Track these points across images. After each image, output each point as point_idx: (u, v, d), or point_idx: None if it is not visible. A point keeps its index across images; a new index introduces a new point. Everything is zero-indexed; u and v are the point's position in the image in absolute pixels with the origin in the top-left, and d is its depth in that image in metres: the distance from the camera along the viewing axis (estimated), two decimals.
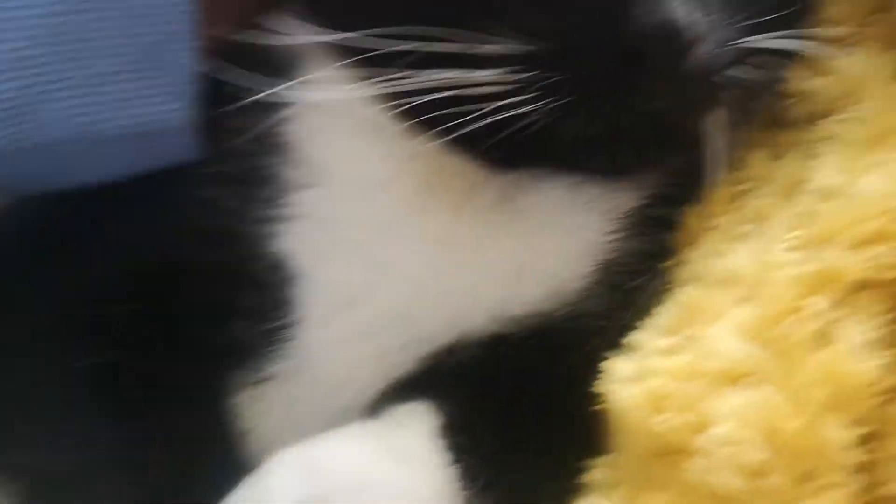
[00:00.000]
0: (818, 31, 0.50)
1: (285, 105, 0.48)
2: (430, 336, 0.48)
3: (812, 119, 0.48)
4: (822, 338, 0.38)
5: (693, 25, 0.41)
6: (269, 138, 0.49)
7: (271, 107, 0.48)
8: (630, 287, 0.48)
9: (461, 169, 0.49)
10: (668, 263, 0.47)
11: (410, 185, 0.49)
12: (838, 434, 0.36)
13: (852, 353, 0.38)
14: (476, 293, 0.48)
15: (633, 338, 0.42)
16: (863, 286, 0.40)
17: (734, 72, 0.45)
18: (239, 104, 0.47)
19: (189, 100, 0.47)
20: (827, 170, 0.44)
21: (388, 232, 0.49)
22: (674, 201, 0.50)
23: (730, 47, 0.44)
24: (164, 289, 0.49)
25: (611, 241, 0.49)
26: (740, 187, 0.48)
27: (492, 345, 0.48)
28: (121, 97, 0.45)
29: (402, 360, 0.48)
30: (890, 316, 0.40)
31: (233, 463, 0.48)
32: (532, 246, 0.49)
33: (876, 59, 0.48)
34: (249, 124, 0.48)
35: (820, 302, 0.39)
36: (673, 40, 0.41)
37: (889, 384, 0.38)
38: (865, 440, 0.38)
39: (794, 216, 0.43)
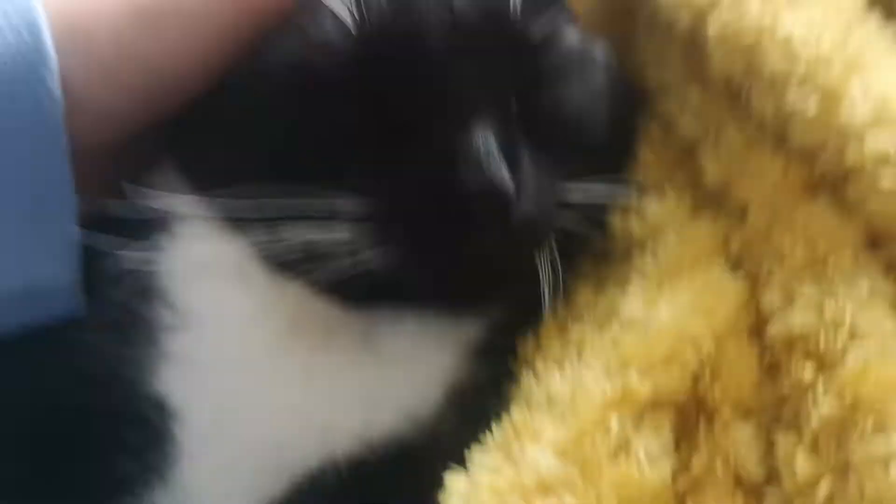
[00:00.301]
0: (631, 178, 0.58)
1: (158, 255, 0.53)
2: (299, 462, 0.52)
3: (627, 255, 0.56)
4: (618, 452, 0.45)
5: (515, 183, 0.48)
6: (144, 286, 0.53)
7: (145, 257, 0.53)
8: (475, 410, 0.53)
9: (322, 309, 0.54)
10: (506, 387, 0.54)
11: (276, 324, 0.54)
12: None
13: (643, 465, 0.44)
14: (338, 421, 0.53)
15: (469, 455, 0.47)
16: (653, 405, 0.46)
17: (557, 218, 0.52)
18: (114, 258, 0.52)
19: (74, 260, 0.51)
20: (631, 302, 0.50)
21: (256, 369, 0.53)
22: (514, 331, 0.55)
23: (551, 199, 0.52)
24: (48, 429, 0.52)
25: (458, 370, 0.55)
26: (568, 316, 0.55)
27: (354, 467, 0.52)
28: (6, 261, 0.49)
29: (273, 484, 0.52)
30: (675, 429, 0.46)
31: None
32: (387, 377, 0.54)
33: (676, 201, 0.55)
34: (124, 274, 0.53)
35: (615, 420, 0.45)
36: (497, 198, 0.48)
37: (676, 489, 0.45)
38: None
39: (603, 344, 0.49)
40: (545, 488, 0.43)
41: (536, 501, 0.43)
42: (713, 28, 0.54)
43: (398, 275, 0.50)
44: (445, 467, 0.49)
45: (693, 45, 0.58)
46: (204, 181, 0.54)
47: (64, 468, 0.52)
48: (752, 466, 0.45)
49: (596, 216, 0.56)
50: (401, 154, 0.50)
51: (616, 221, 0.56)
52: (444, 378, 0.55)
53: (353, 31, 0.52)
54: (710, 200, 0.55)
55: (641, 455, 0.44)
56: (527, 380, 0.51)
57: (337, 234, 0.49)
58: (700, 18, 0.55)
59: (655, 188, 0.57)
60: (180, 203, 0.53)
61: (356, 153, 0.51)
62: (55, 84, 0.48)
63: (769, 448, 0.46)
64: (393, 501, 0.52)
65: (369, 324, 0.55)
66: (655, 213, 0.55)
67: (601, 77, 0.58)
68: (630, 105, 0.61)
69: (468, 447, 0.49)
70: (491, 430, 0.48)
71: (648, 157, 0.59)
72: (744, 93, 0.54)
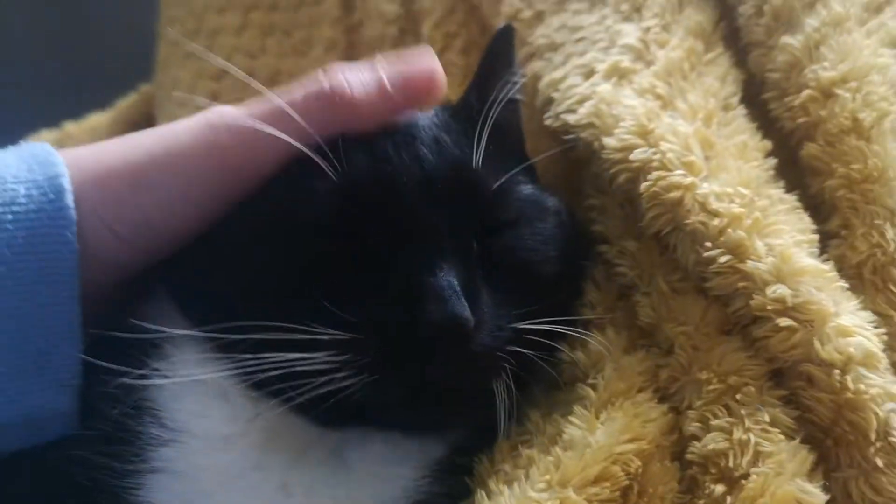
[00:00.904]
0: (578, 315, 0.67)
1: (151, 377, 0.59)
2: None
3: (573, 383, 0.64)
4: None
5: (475, 317, 0.55)
6: (136, 404, 0.59)
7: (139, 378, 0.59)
8: None
9: (298, 427, 0.60)
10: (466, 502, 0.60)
11: (254, 441, 0.60)
12: None
13: None
14: None
15: None
16: None
17: (512, 349, 0.59)
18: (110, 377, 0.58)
19: (76, 391, 0.56)
20: (572, 426, 0.58)
21: (234, 482, 0.58)
22: (472, 451, 0.62)
23: (506, 332, 0.59)
24: None
25: (420, 486, 0.61)
26: (520, 439, 0.62)
27: None
28: (11, 393, 0.54)
29: None
30: None
31: None
32: (356, 492, 0.60)
33: (615, 337, 0.64)
34: (119, 393, 0.58)
35: None
36: (458, 330, 0.55)
37: None
38: None
39: (546, 464, 0.56)
40: None
41: None
42: (645, 185, 0.63)
43: (369, 399, 0.57)
44: None
45: (629, 201, 0.67)
46: (195, 312, 0.62)
47: None
48: None
49: (546, 349, 0.63)
50: (373, 290, 0.58)
51: (565, 353, 0.64)
52: (407, 494, 0.60)
53: (335, 179, 0.60)
54: (644, 337, 0.64)
55: None
56: (479, 498, 0.57)
57: (314, 362, 0.56)
58: (635, 177, 0.64)
59: (597, 325, 0.66)
60: (173, 332, 0.60)
61: (333, 289, 0.58)
62: (73, 239, 0.56)
63: None
64: None
65: (341, 442, 0.61)
66: (596, 347, 0.63)
67: (552, 222, 0.66)
68: (577, 248, 0.69)
69: None
70: None
71: (593, 297, 0.68)
72: (671, 245, 0.63)
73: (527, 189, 0.66)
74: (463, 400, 0.60)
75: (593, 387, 0.61)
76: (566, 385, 0.64)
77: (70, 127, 1.26)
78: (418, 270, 0.57)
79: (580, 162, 0.73)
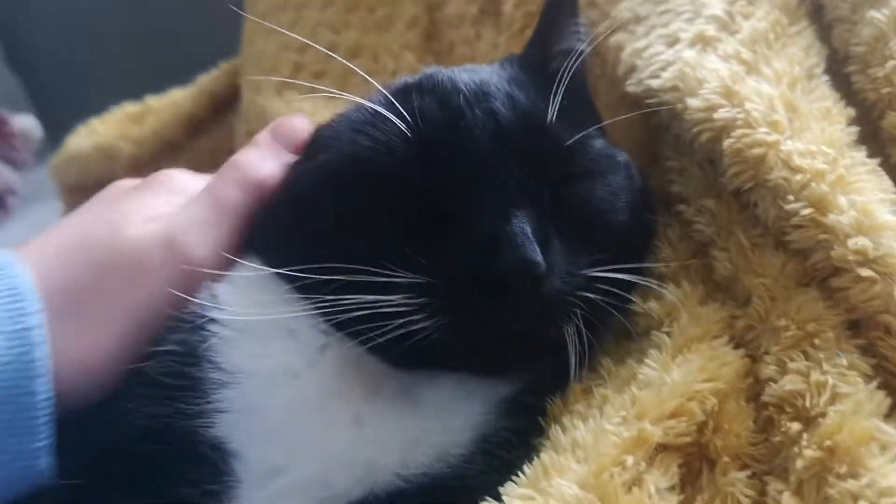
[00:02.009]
0: (651, 269, 0.68)
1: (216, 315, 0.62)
2: (342, 494, 0.59)
3: (646, 333, 0.65)
4: (632, 485, 0.53)
5: (544, 261, 0.57)
6: (194, 353, 0.61)
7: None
8: (501, 457, 0.61)
9: (369, 364, 0.62)
10: (537, 441, 0.62)
11: (325, 374, 0.62)
12: None
13: (653, 496, 0.52)
14: (381, 461, 0.60)
15: (503, 489, 0.55)
16: (663, 448, 0.55)
17: (583, 296, 0.61)
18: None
19: (48, 451, 0.56)
20: (648, 368, 0.60)
21: (306, 415, 0.60)
22: (541, 392, 0.64)
23: (577, 279, 0.61)
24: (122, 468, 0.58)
25: (487, 423, 0.62)
26: (592, 383, 0.64)
27: (391, 498, 0.59)
28: None
29: None
30: (682, 471, 0.55)
31: None
32: (425, 425, 0.61)
33: (690, 289, 0.65)
34: (178, 350, 0.60)
35: (630, 459, 0.53)
36: (528, 274, 0.57)
37: None
38: None
39: (622, 402, 0.58)
40: None
41: None
42: (728, 142, 0.64)
43: (441, 341, 0.59)
44: (474, 500, 0.56)
45: (709, 161, 0.69)
46: (273, 257, 0.65)
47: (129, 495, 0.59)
48: None
49: (617, 298, 0.64)
50: (449, 237, 0.60)
51: (638, 304, 0.66)
52: (474, 429, 0.62)
53: (409, 135, 0.63)
54: (719, 291, 0.65)
55: (652, 489, 0.52)
56: (554, 432, 0.59)
57: (391, 304, 0.58)
58: (718, 137, 0.66)
59: (672, 278, 0.67)
60: (264, 269, 0.63)
61: (410, 235, 0.61)
62: (45, 389, 0.55)
63: (761, 493, 0.54)
64: None
65: (411, 378, 0.63)
66: (671, 298, 0.64)
67: (622, 175, 0.68)
68: (647, 202, 0.70)
69: (495, 487, 0.56)
70: (522, 472, 0.56)
71: (667, 252, 0.69)
72: (751, 201, 0.64)
73: (598, 143, 0.68)
74: (533, 344, 0.61)
75: (668, 334, 0.62)
76: (639, 335, 0.66)
77: (152, 101, 1.30)
78: (493, 218, 0.59)
79: (660, 127, 0.75)
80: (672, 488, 0.54)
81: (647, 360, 0.60)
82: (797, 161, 0.62)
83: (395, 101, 0.63)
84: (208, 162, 1.28)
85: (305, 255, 0.62)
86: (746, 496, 0.54)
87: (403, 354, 0.59)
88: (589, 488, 0.52)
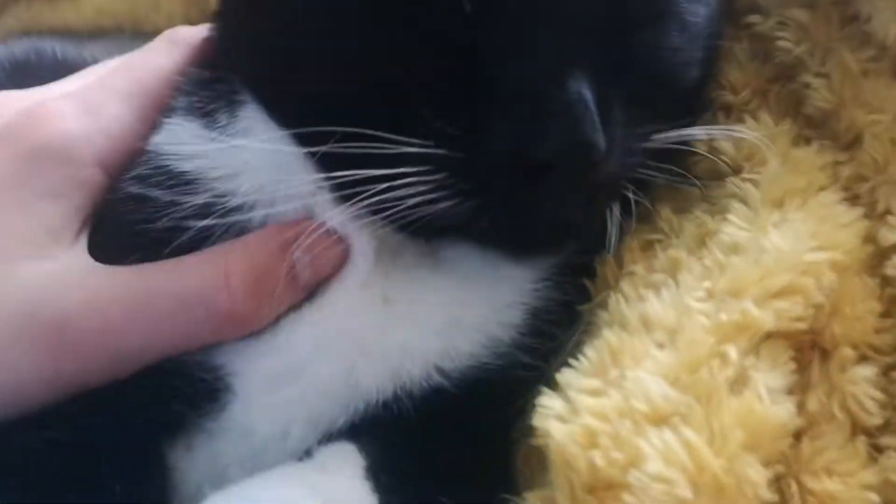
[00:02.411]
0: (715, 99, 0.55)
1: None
2: (370, 393, 0.49)
3: (715, 176, 0.53)
4: (737, 383, 0.41)
5: (604, 141, 0.44)
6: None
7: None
8: (556, 332, 0.50)
9: (392, 237, 0.50)
10: (588, 307, 0.50)
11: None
12: (755, 473, 0.39)
13: (765, 399, 0.41)
14: (416, 348, 0.49)
15: (563, 378, 0.43)
16: (770, 335, 0.43)
17: (638, 168, 0.49)
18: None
19: None
20: (733, 226, 0.47)
21: (319, 302, 0.50)
22: (590, 250, 0.52)
23: (635, 152, 0.48)
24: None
25: (536, 290, 0.51)
26: (651, 237, 0.51)
27: (425, 396, 0.49)
28: None
29: (341, 416, 0.49)
30: (794, 364, 0.44)
31: None
32: (463, 298, 0.50)
33: (775, 126, 0.52)
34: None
35: (733, 350, 0.42)
36: (583, 157, 0.44)
37: (795, 427, 0.42)
38: (775, 479, 0.41)
39: (704, 268, 0.46)
40: (659, 417, 0.40)
41: (650, 429, 0.40)
42: None
43: (466, 225, 0.47)
44: (524, 391, 0.46)
45: None
46: (281, 117, 0.51)
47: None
48: (872, 413, 0.43)
49: (677, 161, 0.52)
50: (483, 97, 0.45)
51: (701, 145, 0.53)
52: (522, 299, 0.52)
53: None
54: (810, 127, 0.52)
55: (762, 389, 0.41)
56: (614, 302, 0.47)
57: (416, 184, 0.45)
58: None
59: (745, 110, 0.54)
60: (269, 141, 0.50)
61: (432, 91, 0.46)
62: None
63: (888, 394, 0.43)
64: (460, 427, 0.49)
65: (447, 250, 0.51)
66: (753, 136, 0.51)
67: (704, 11, 0.53)
68: (721, 31, 0.56)
69: (551, 370, 0.45)
70: (577, 353, 0.45)
71: (735, 76, 0.56)
72: (862, 15, 0.50)
73: None
74: (575, 230, 0.50)
75: (753, 182, 0.49)
76: (703, 181, 0.53)
77: None
78: (545, 77, 0.44)
79: None
80: (786, 388, 0.42)
81: (731, 217, 0.48)
82: None
83: None
84: None
85: (308, 116, 0.48)
86: (872, 398, 0.42)
87: (425, 232, 0.49)
88: (682, 387, 0.41)
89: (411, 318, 0.49)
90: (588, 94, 0.44)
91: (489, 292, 0.51)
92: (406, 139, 0.44)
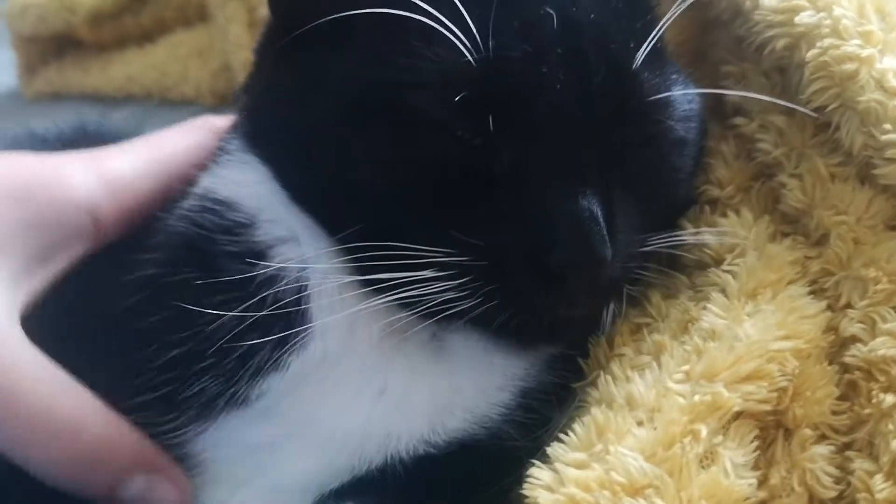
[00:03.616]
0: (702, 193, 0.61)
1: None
2: (364, 458, 0.53)
3: (701, 266, 0.59)
4: (706, 459, 0.47)
5: (606, 251, 0.49)
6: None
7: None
8: (546, 410, 0.55)
9: (399, 321, 0.54)
10: (580, 385, 0.56)
11: (364, 337, 0.54)
12: None
13: (730, 473, 0.47)
14: (401, 432, 0.53)
15: (552, 451, 0.49)
16: (738, 415, 0.49)
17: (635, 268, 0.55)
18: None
19: None
20: (712, 314, 0.53)
21: (336, 375, 0.54)
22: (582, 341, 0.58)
23: (635, 256, 0.55)
24: None
25: (529, 374, 0.56)
26: (640, 321, 0.57)
27: (419, 462, 0.53)
28: None
29: (335, 476, 0.53)
30: (758, 442, 0.49)
31: None
32: (459, 385, 0.55)
33: (754, 222, 0.58)
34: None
35: (704, 429, 0.47)
36: (593, 267, 0.50)
37: (758, 500, 0.48)
38: None
39: (685, 352, 0.51)
40: (635, 489, 0.46)
41: (626, 500, 0.45)
42: (812, 53, 0.56)
43: (480, 320, 0.52)
44: (513, 463, 0.51)
45: (779, 70, 0.60)
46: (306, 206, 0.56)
47: None
48: (828, 487, 0.48)
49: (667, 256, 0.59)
50: (501, 208, 0.51)
51: (689, 236, 0.59)
52: (514, 382, 0.56)
53: (472, 60, 0.49)
54: (787, 223, 0.58)
55: (728, 464, 0.47)
56: (604, 382, 0.53)
57: (442, 286, 0.50)
58: (796, 45, 0.57)
59: (729, 205, 0.60)
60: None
61: (451, 203, 0.51)
62: None
63: (843, 470, 0.49)
64: (457, 493, 0.53)
65: (450, 337, 0.56)
66: (735, 231, 0.57)
67: (695, 132, 0.60)
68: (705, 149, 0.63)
69: (538, 448, 0.50)
70: (572, 431, 0.50)
71: (722, 174, 0.62)
72: (834, 123, 0.56)
73: (679, 94, 0.58)
74: (579, 323, 0.56)
75: (732, 274, 0.55)
76: (689, 269, 0.59)
77: None
78: (559, 191, 0.50)
79: (717, 23, 0.66)
80: (749, 463, 0.48)
81: (710, 306, 0.53)
82: (894, 82, 0.54)
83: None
84: (175, 18, 1.17)
85: (327, 206, 0.55)
86: (828, 474, 0.48)
87: (444, 322, 0.54)
88: (657, 461, 0.47)
89: (403, 408, 0.53)
90: (597, 210, 0.50)
91: (482, 377, 0.55)
92: (431, 249, 0.50)
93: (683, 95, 0.57)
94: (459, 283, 0.50)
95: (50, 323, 0.52)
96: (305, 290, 0.53)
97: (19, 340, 0.50)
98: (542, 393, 0.56)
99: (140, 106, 1.14)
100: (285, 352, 0.52)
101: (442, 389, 0.54)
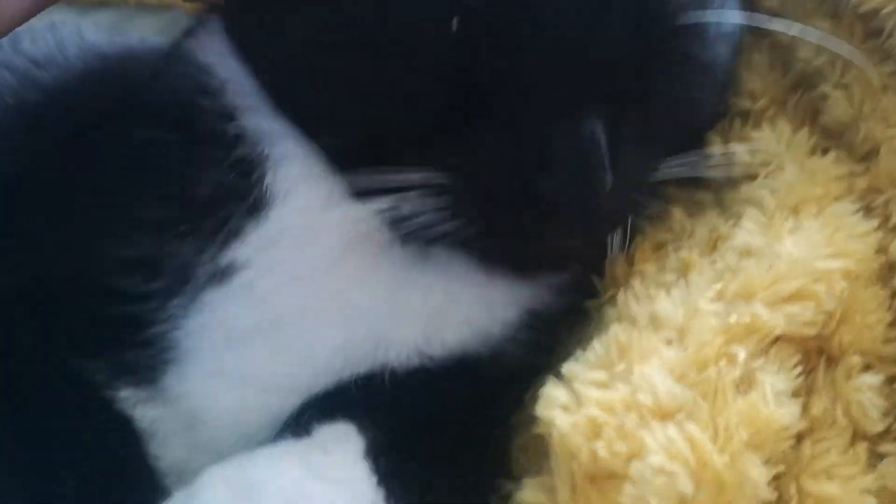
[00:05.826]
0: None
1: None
2: (347, 366, 0.50)
3: (729, 183, 0.54)
4: (743, 384, 0.43)
5: (611, 178, 0.45)
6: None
7: None
8: (556, 330, 0.52)
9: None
10: (596, 304, 0.51)
11: (346, 235, 0.51)
12: (757, 472, 0.40)
13: (770, 400, 0.42)
14: (397, 332, 0.50)
15: (568, 369, 0.44)
16: (779, 339, 0.45)
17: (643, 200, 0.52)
18: None
19: None
20: (747, 231, 0.49)
21: (317, 274, 0.51)
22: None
23: (641, 186, 0.50)
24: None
25: (535, 295, 0.53)
26: (662, 238, 0.53)
27: (414, 374, 0.50)
28: None
29: (312, 384, 0.50)
30: (801, 368, 0.45)
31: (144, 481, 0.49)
32: (450, 293, 0.51)
33: (793, 134, 0.53)
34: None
35: (741, 351, 0.43)
36: (588, 195, 0.45)
37: (798, 430, 0.43)
38: (775, 479, 0.42)
39: (716, 270, 0.47)
40: (664, 412, 0.41)
41: (654, 423, 0.41)
42: None
43: (466, 243, 0.49)
44: (520, 381, 0.49)
45: None
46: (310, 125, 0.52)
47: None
48: (875, 420, 0.44)
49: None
50: (493, 127, 0.47)
51: (717, 149, 0.54)
52: (523, 302, 0.53)
53: None
54: (828, 138, 0.54)
55: (769, 391, 0.42)
56: (624, 300, 0.49)
57: (423, 204, 0.47)
58: None
59: (763, 117, 0.56)
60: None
61: (446, 113, 0.47)
62: None
63: (893, 402, 0.45)
64: (455, 411, 0.50)
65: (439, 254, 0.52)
66: (770, 144, 0.53)
67: (726, 55, 0.55)
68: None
69: (551, 362, 0.47)
70: (583, 346, 0.46)
71: (755, 84, 0.57)
72: (887, 30, 0.52)
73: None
74: (575, 253, 0.52)
75: (769, 189, 0.51)
76: (716, 184, 0.54)
77: None
78: (557, 111, 0.46)
79: None
80: (791, 391, 0.44)
81: (744, 222, 0.49)
82: None
83: None
84: None
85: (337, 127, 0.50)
86: (876, 406, 0.44)
87: (426, 242, 0.50)
88: (688, 384, 0.42)
89: (391, 306, 0.51)
90: (601, 135, 0.45)
91: (481, 289, 0.52)
92: (415, 166, 0.46)
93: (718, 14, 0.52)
94: (441, 200, 0.47)
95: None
96: (277, 166, 0.51)
97: None
98: (553, 316, 0.53)
99: (117, 11, 1.09)
100: (256, 217, 0.50)
101: (435, 294, 0.51)
